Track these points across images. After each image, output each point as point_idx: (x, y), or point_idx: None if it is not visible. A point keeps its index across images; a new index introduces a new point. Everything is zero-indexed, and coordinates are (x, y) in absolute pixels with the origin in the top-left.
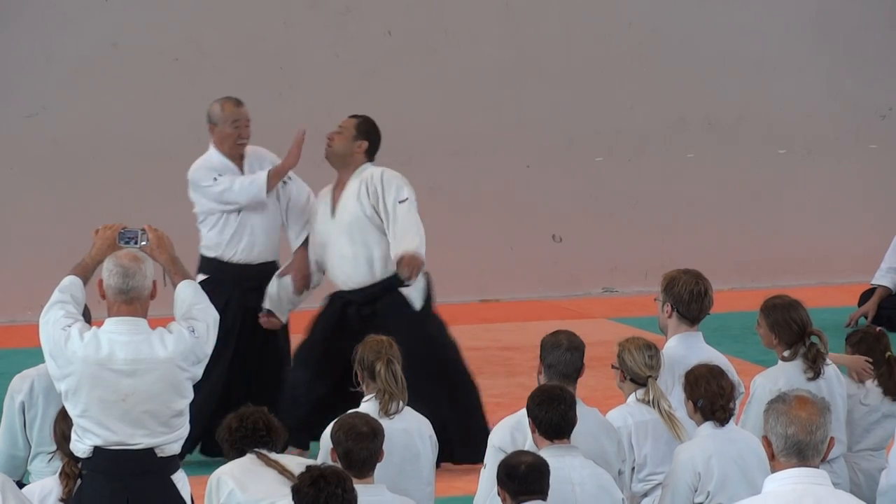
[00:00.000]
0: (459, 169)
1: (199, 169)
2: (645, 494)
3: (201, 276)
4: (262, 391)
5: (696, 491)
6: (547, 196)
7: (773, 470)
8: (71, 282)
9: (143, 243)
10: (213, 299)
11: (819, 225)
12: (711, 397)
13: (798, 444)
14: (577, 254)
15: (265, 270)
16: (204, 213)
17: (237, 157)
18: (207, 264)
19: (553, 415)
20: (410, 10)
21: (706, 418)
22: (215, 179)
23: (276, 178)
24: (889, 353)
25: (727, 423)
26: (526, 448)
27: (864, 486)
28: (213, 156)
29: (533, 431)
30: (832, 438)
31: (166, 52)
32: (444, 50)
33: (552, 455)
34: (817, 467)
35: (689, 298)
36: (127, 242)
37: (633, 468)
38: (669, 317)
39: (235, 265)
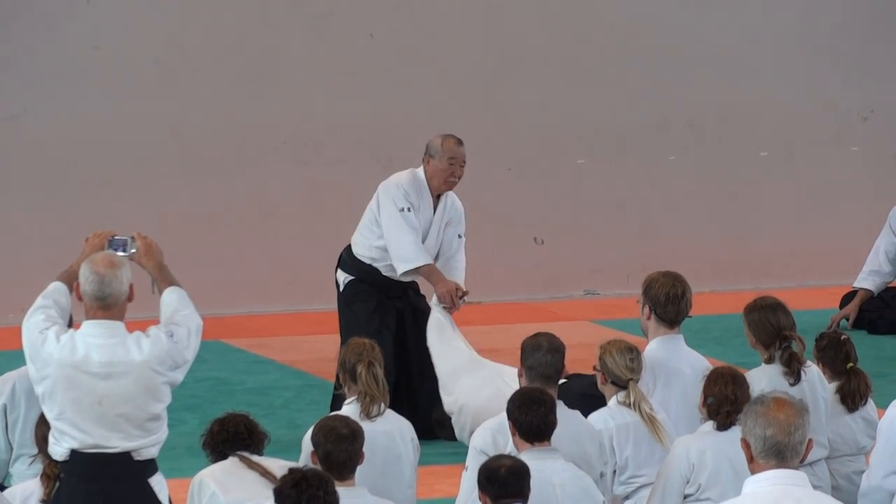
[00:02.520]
0: None
1: (397, 186)
2: (626, 497)
3: (347, 276)
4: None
5: (688, 482)
6: (528, 198)
7: (753, 472)
8: (56, 287)
9: (133, 251)
10: (365, 298)
11: (801, 227)
12: (722, 400)
13: (777, 446)
14: (558, 256)
15: (406, 286)
16: (370, 215)
17: (439, 194)
18: (357, 266)
19: (533, 417)
20: (391, 13)
21: (710, 417)
22: (402, 210)
23: (428, 275)
24: (850, 363)
25: (727, 429)
26: (507, 451)
27: (844, 489)
28: (418, 180)
29: (513, 434)
30: (811, 440)
31: (147, 54)
32: (425, 52)
33: (533, 458)
34: (796, 469)
35: (665, 300)
36: (116, 249)
37: (615, 471)
38: (648, 319)
39: (385, 278)
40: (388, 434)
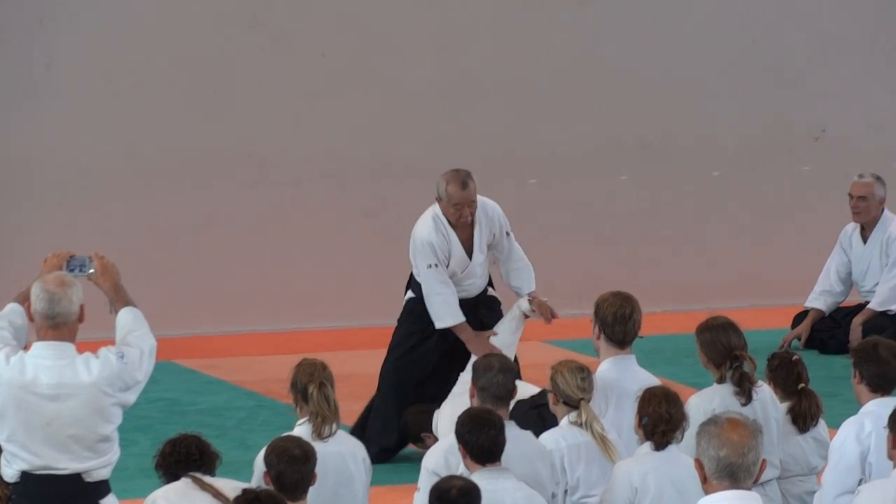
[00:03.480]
0: (394, 191)
1: (422, 243)
2: None
3: (410, 294)
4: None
5: None
6: None
7: (706, 492)
8: (11, 309)
9: (91, 271)
10: (413, 319)
11: (753, 247)
12: (656, 420)
13: (730, 467)
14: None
15: (477, 301)
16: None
17: (464, 226)
18: (417, 287)
19: (483, 439)
20: (345, 32)
21: (647, 437)
22: (429, 267)
23: (460, 332)
24: (802, 383)
25: (664, 448)
26: (459, 471)
27: None
28: (440, 222)
29: (464, 456)
30: (764, 461)
31: (100, 73)
32: (379, 72)
33: (484, 478)
34: (749, 489)
35: (612, 321)
36: (73, 269)
37: (566, 491)
38: (598, 339)
39: None
40: (340, 455)
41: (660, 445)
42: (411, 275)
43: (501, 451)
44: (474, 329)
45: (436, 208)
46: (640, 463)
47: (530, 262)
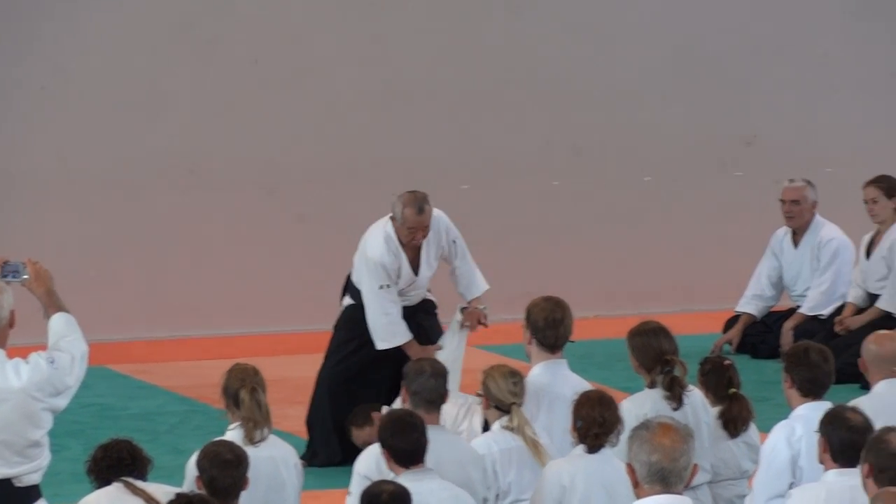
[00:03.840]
0: (325, 197)
1: (375, 264)
2: None
3: (348, 301)
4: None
5: None
6: None
7: (637, 497)
8: None
9: (24, 277)
10: (349, 326)
11: (684, 252)
12: (590, 423)
13: (661, 472)
14: (442, 281)
15: (416, 308)
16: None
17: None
18: (356, 293)
19: (406, 443)
20: (276, 39)
21: (581, 441)
22: (380, 287)
23: (407, 349)
24: (732, 388)
25: (597, 451)
26: (392, 476)
27: None
28: (390, 244)
29: (388, 460)
30: (695, 465)
31: (32, 79)
32: (310, 78)
33: (410, 480)
34: (681, 494)
35: (544, 325)
36: (6, 276)
37: (498, 495)
38: (530, 344)
39: None
40: (272, 460)
41: (593, 448)
42: (348, 280)
43: (424, 452)
44: (413, 333)
45: (388, 227)
46: (571, 463)
47: None
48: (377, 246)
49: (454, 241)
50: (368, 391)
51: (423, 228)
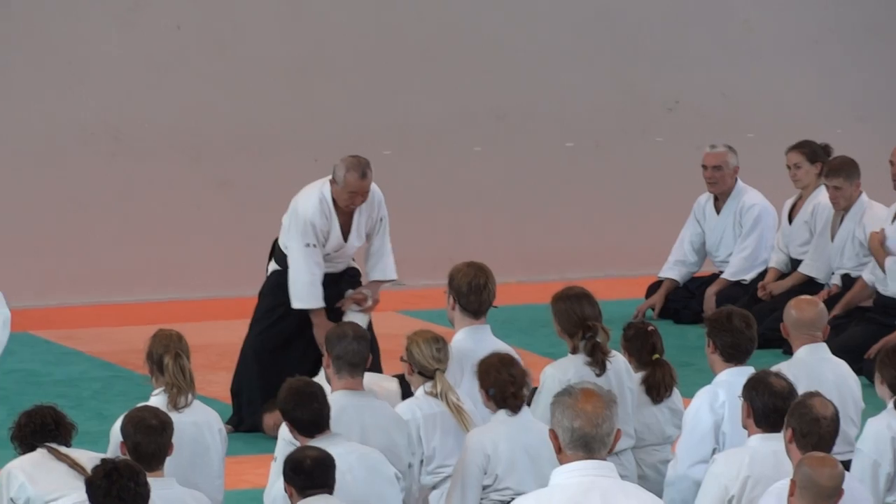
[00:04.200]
0: (249, 164)
1: (305, 222)
2: (434, 487)
3: (274, 266)
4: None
5: (485, 473)
6: None
7: (561, 462)
8: None
9: None
10: (274, 293)
11: (607, 217)
12: (502, 385)
13: (584, 437)
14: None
15: (340, 276)
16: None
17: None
18: (283, 259)
19: (307, 413)
20: (199, 5)
21: (499, 406)
22: (306, 246)
23: (314, 316)
24: (656, 354)
25: (520, 410)
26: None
27: (650, 478)
28: (324, 204)
29: (292, 431)
30: (619, 431)
31: None
32: (233, 45)
33: None
34: (604, 459)
35: (467, 290)
36: None
37: (422, 461)
38: (453, 309)
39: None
40: (196, 425)
41: (515, 409)
42: (274, 245)
43: (328, 420)
44: (335, 300)
45: (324, 188)
46: (493, 431)
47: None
48: (310, 206)
49: (381, 219)
50: (294, 358)
51: (362, 193)
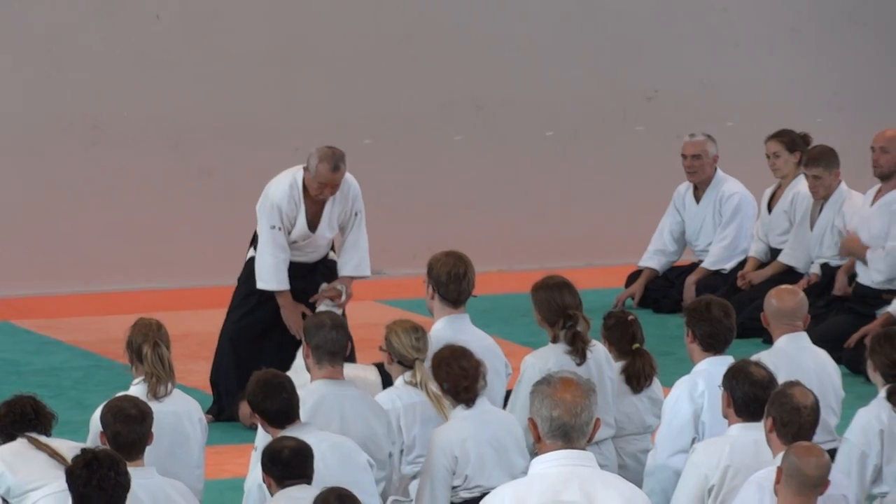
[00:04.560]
0: (228, 153)
1: (272, 205)
2: (414, 476)
3: (252, 252)
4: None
5: (454, 474)
6: None
7: (539, 452)
8: None
9: None
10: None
11: (586, 206)
12: (454, 379)
13: (563, 427)
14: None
15: (316, 265)
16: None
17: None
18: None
19: (275, 404)
20: None
21: (458, 402)
22: (272, 228)
23: (280, 297)
24: (636, 343)
25: (473, 404)
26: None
27: (630, 468)
28: (294, 190)
29: (263, 424)
30: (598, 420)
31: None
32: (213, 34)
33: None
34: (583, 449)
35: (447, 280)
36: None
37: (402, 450)
38: (433, 299)
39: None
40: (176, 414)
41: (469, 402)
42: (255, 233)
43: (297, 410)
44: (311, 292)
45: (297, 174)
46: (457, 429)
47: (367, 222)
48: (280, 189)
49: (356, 214)
50: (271, 347)
51: (332, 186)
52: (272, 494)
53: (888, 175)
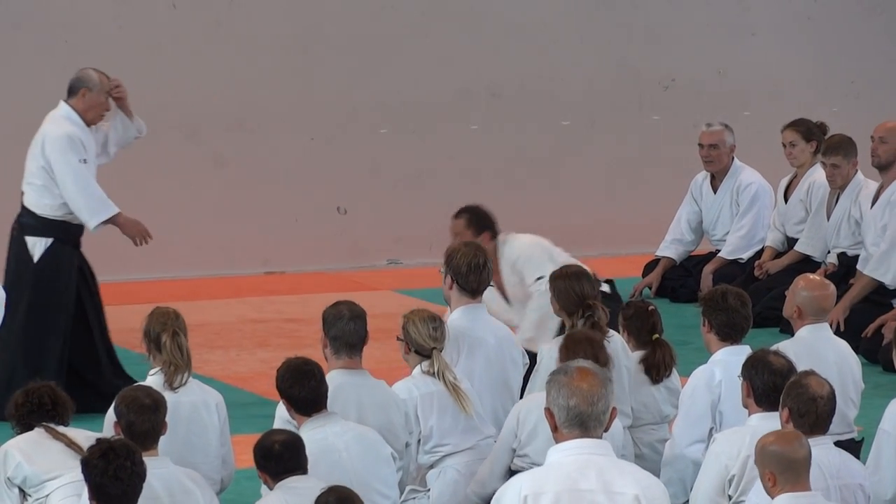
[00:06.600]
0: (244, 142)
1: (70, 138)
2: (431, 466)
3: (45, 241)
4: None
5: (515, 437)
6: (331, 168)
7: (556, 441)
8: None
9: None
10: (65, 261)
11: (603, 195)
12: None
13: (580, 416)
14: (361, 225)
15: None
16: (46, 174)
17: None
18: (52, 227)
19: (304, 391)
20: None
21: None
22: (83, 161)
23: (118, 219)
24: (655, 334)
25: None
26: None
27: (647, 457)
28: (76, 125)
29: (289, 410)
30: (614, 409)
31: None
32: (228, 22)
33: (312, 427)
34: (600, 438)
35: (466, 270)
36: None
37: (420, 440)
38: (450, 289)
39: (77, 232)
40: (192, 404)
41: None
42: (22, 223)
43: (325, 399)
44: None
45: (66, 111)
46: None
47: (382, 213)
48: (64, 124)
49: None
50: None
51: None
52: (270, 489)
53: (885, 165)
